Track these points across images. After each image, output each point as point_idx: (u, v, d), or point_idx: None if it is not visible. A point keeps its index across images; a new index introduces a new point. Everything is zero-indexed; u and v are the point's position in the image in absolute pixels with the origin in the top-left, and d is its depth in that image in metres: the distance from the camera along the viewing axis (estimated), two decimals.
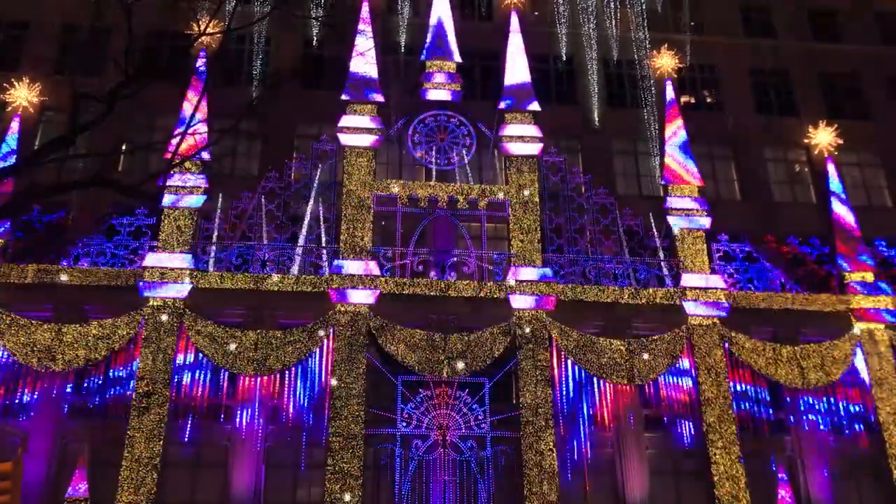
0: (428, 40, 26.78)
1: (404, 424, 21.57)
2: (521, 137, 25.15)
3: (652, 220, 24.90)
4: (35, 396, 21.38)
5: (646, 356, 22.49)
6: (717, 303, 23.32)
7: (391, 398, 22.00)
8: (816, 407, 23.24)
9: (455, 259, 24.00)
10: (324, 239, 23.68)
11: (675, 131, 26.17)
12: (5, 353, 21.10)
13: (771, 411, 23.18)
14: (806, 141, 28.78)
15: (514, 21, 27.56)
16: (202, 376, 21.73)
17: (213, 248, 23.14)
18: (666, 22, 32.38)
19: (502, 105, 25.74)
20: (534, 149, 25.06)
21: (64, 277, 21.98)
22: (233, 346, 21.45)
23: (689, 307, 23.28)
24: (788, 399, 23.43)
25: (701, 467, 22.16)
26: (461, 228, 24.57)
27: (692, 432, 22.45)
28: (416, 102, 25.80)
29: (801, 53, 31.74)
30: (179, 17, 23.98)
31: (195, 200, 23.27)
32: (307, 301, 22.43)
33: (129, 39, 15.32)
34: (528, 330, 22.57)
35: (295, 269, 23.06)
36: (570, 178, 25.32)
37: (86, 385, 21.82)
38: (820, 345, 23.32)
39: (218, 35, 21.95)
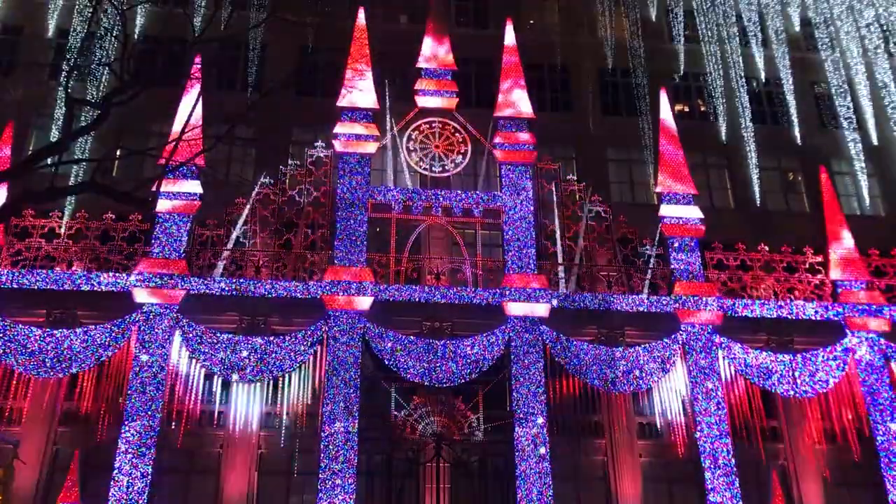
0: (423, 47, 26.84)
1: (398, 431, 21.51)
2: (516, 145, 25.18)
3: (646, 228, 24.93)
4: (27, 402, 21.30)
5: (639, 364, 22.51)
6: (711, 311, 23.36)
7: (385, 405, 21.98)
8: (809, 415, 23.30)
9: (449, 266, 24.03)
10: (318, 245, 23.67)
11: (669, 140, 26.22)
12: None
13: (764, 419, 23.23)
14: None
15: (509, 29, 27.66)
16: (195, 382, 21.67)
17: (208, 254, 23.09)
18: (660, 30, 32.56)
19: (497, 112, 25.79)
20: (528, 156, 25.09)
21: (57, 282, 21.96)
22: (226, 353, 21.40)
23: (683, 315, 23.31)
24: (781, 407, 23.50)
25: (694, 475, 22.18)
26: (455, 235, 24.60)
27: (685, 440, 22.46)
28: (412, 109, 25.83)
29: (794, 63, 31.91)
30: (175, 23, 24.03)
31: (189, 206, 23.23)
32: (301, 307, 22.39)
33: (124, 45, 15.32)
34: (521, 337, 22.56)
35: (289, 276, 23.03)
36: (564, 186, 25.37)
37: (78, 391, 21.74)
38: (813, 353, 23.38)
39: (213, 41, 21.96)
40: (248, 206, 23.60)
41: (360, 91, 25.00)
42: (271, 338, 21.81)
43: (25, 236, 23.01)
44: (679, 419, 22.59)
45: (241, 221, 23.40)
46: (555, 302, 23.03)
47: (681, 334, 23.15)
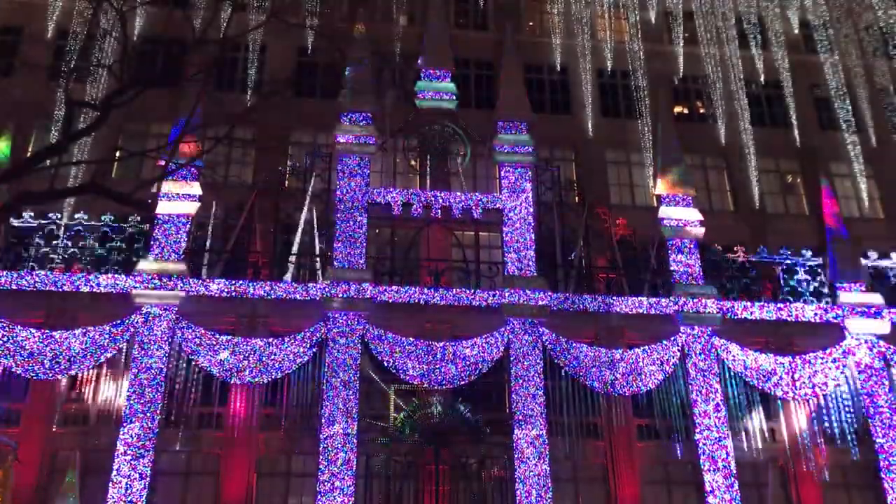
0: (423, 49, 26.83)
1: (397, 433, 21.48)
2: (515, 147, 25.15)
3: (646, 230, 24.91)
4: (26, 404, 21.26)
5: (638, 366, 22.50)
6: (709, 313, 23.35)
7: (384, 406, 21.95)
8: (808, 417, 23.30)
9: (448, 267, 24.01)
10: (317, 246, 23.65)
11: (669, 142, 26.23)
12: None
13: (763, 421, 23.23)
14: None
15: (509, 31, 27.65)
16: (194, 384, 21.64)
17: (206, 255, 23.07)
18: (659, 32, 32.56)
19: (497, 114, 25.77)
20: (528, 158, 25.07)
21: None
22: (225, 354, 21.37)
23: (682, 317, 23.30)
24: (781, 409, 23.49)
25: (693, 477, 22.19)
26: (455, 237, 24.58)
27: (685, 442, 22.46)
28: (411, 111, 25.81)
29: (793, 65, 31.94)
30: (174, 23, 23.98)
31: (188, 208, 23.18)
32: (300, 309, 22.36)
33: (123, 46, 15.32)
34: (520, 338, 22.54)
35: (288, 277, 23.01)
36: (563, 188, 25.35)
37: (77, 392, 21.70)
38: (812, 355, 23.36)
39: (213, 43, 21.97)
40: (247, 208, 23.56)
41: (359, 92, 24.97)
42: (270, 339, 21.75)
43: (25, 237, 22.96)
44: (678, 421, 22.57)
45: (240, 223, 23.36)
46: (553, 303, 23.01)
47: (680, 336, 23.15)
